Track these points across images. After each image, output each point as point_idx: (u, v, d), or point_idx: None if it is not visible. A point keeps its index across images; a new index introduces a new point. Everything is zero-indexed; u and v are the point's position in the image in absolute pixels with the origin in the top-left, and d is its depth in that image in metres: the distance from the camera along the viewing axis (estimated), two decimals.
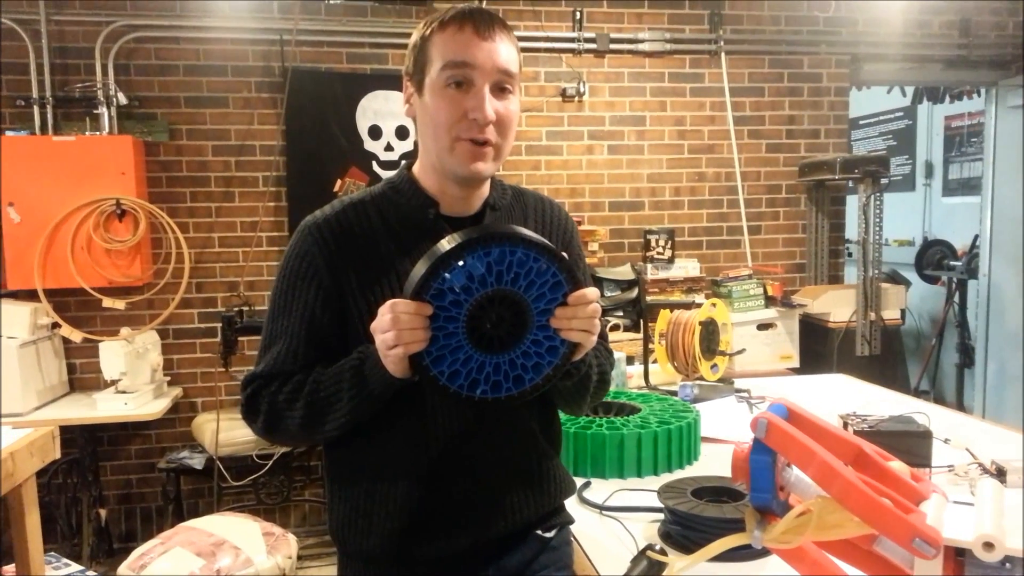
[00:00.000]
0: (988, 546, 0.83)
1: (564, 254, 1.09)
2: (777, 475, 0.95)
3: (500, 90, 1.18)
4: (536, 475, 1.31)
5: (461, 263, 1.05)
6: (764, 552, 1.25)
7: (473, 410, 1.22)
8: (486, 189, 1.28)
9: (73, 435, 3.41)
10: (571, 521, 1.42)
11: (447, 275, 1.05)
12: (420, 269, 1.06)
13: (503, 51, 1.17)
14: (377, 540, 1.24)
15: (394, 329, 1.04)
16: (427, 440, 1.22)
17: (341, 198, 1.28)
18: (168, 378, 3.69)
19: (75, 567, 2.65)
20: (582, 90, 4.01)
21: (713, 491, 1.48)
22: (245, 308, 3.46)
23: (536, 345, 1.11)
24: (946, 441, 1.90)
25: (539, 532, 1.33)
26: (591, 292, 1.10)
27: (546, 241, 1.08)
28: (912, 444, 1.63)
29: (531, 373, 1.12)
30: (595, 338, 1.12)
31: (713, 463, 1.87)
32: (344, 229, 1.22)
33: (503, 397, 1.12)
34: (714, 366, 2.76)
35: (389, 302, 1.06)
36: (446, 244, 1.06)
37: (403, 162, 1.32)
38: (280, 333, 1.22)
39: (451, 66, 1.16)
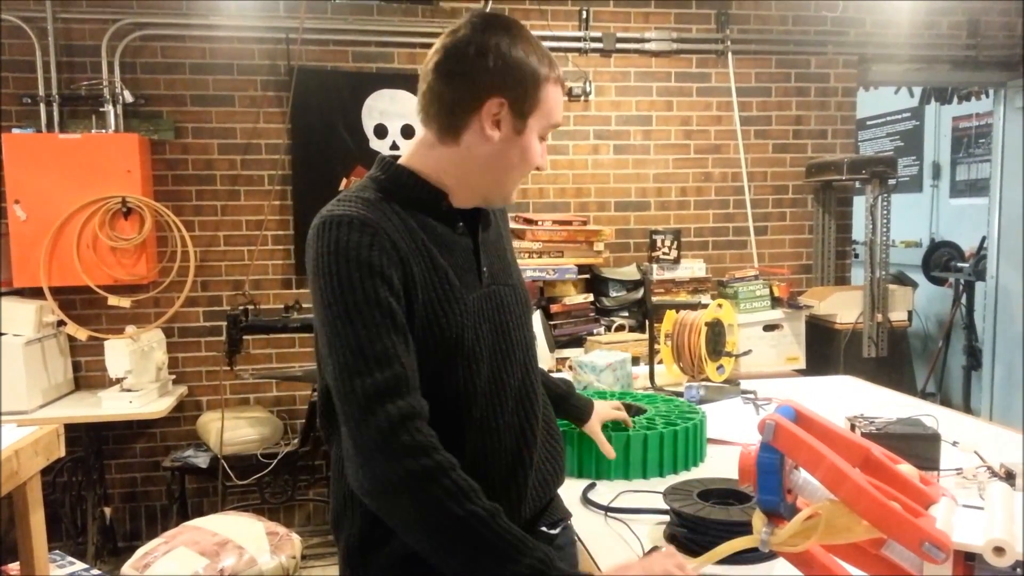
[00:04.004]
0: (999, 551, 0.82)
1: None
2: (785, 478, 0.94)
3: None
4: (546, 459, 1.33)
5: None
6: (771, 555, 1.24)
7: None
8: None
9: (78, 433, 3.41)
10: (569, 515, 1.42)
11: None
12: None
13: None
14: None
15: None
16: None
17: (346, 195, 1.19)
18: (173, 376, 3.69)
19: (80, 565, 2.64)
20: (588, 90, 4.00)
21: (720, 493, 1.47)
22: (250, 307, 3.47)
23: None
24: (954, 444, 1.88)
25: (544, 529, 1.33)
26: None
27: None
28: (921, 447, 1.62)
29: None
30: None
31: (719, 465, 1.86)
32: (383, 225, 1.14)
33: None
34: (720, 367, 2.76)
35: None
36: None
37: (386, 161, 1.24)
38: (385, 352, 1.07)
39: (552, 127, 1.23)
